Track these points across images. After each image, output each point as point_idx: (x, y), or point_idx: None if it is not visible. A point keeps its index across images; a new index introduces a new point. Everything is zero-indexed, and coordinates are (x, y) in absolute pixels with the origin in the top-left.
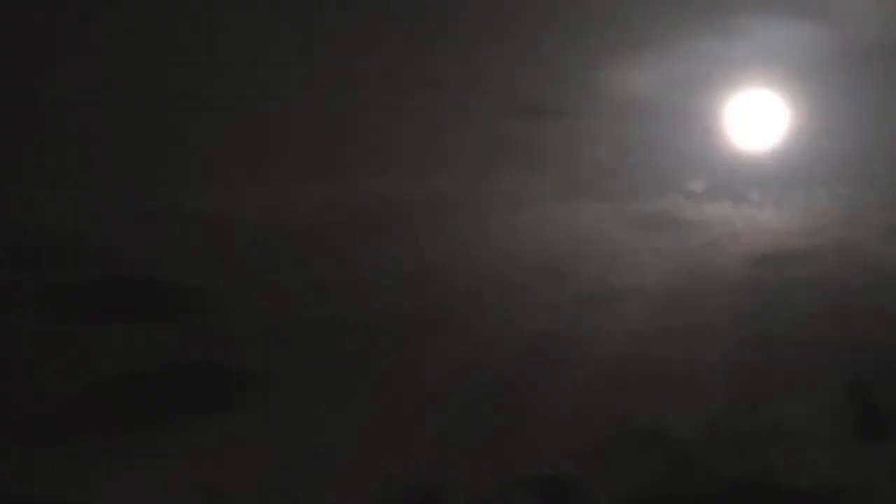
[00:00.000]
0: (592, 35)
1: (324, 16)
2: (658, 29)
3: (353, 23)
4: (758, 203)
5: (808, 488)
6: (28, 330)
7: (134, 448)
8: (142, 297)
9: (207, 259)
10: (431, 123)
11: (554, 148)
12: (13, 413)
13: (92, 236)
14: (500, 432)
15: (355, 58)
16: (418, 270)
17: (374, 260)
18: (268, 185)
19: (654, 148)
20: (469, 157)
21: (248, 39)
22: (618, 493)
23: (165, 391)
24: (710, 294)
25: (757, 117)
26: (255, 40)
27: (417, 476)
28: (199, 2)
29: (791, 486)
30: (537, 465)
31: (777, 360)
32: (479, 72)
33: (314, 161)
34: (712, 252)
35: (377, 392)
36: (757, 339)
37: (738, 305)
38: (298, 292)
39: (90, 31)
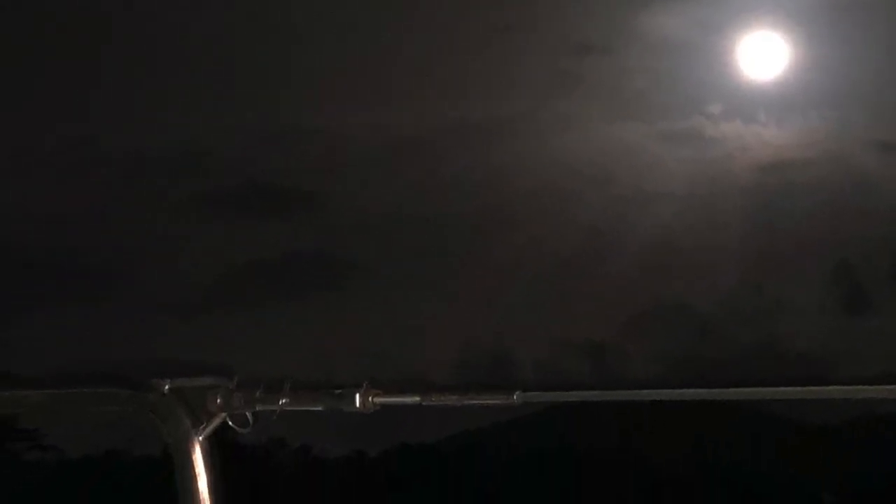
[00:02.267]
0: None
1: None
2: None
3: None
4: (764, 122)
5: (805, 351)
6: (177, 226)
7: (262, 320)
8: (268, 199)
9: (321, 167)
10: (501, 59)
11: (599, 78)
12: (167, 293)
13: (228, 149)
14: (556, 307)
15: (440, 9)
16: (491, 177)
17: (455, 169)
18: (370, 108)
19: (680, 78)
20: (531, 86)
21: None
22: (649, 357)
23: (287, 275)
24: (725, 195)
25: (764, 53)
26: None
27: (490, 342)
28: None
29: (791, 350)
30: (585, 334)
31: (779, 249)
32: (539, 18)
33: (408, 89)
34: (727, 162)
35: (458, 275)
36: (763, 231)
37: (747, 205)
38: (395, 195)
39: None
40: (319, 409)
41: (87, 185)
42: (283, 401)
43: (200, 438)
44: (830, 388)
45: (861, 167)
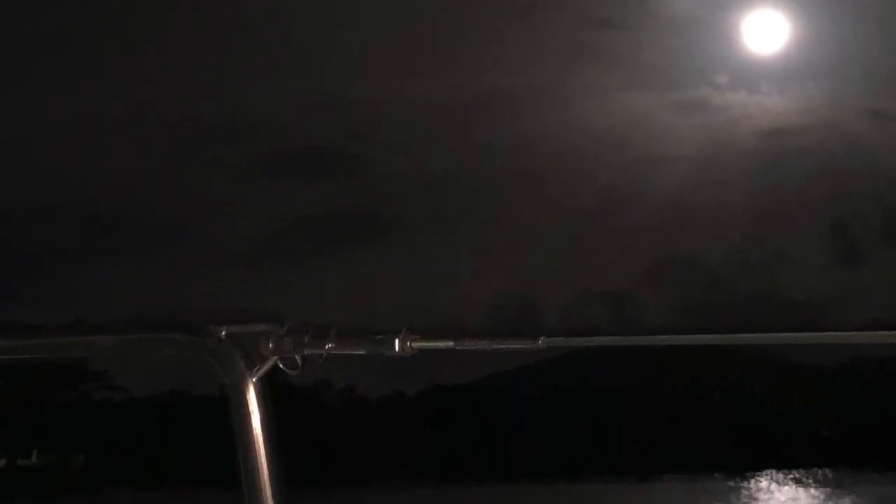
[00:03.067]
0: None
1: None
2: None
3: None
4: (766, 92)
5: (803, 299)
6: (232, 186)
7: (310, 272)
8: (315, 161)
9: (364, 133)
10: (527, 34)
11: (617, 52)
12: (224, 247)
13: (279, 116)
14: (577, 260)
15: None
16: (518, 141)
17: (486, 133)
18: (408, 78)
19: (690, 51)
20: (555, 59)
21: None
22: (663, 305)
23: (332, 231)
24: (731, 158)
25: (766, 28)
26: None
27: (518, 292)
28: None
29: (790, 299)
30: (604, 284)
31: (779, 207)
32: None
33: (443, 61)
34: (732, 128)
35: (488, 231)
36: (765, 191)
37: (751, 166)
38: (431, 157)
39: None
40: (362, 353)
41: (152, 149)
42: (329, 345)
43: (254, 380)
44: (826, 333)
45: (854, 133)
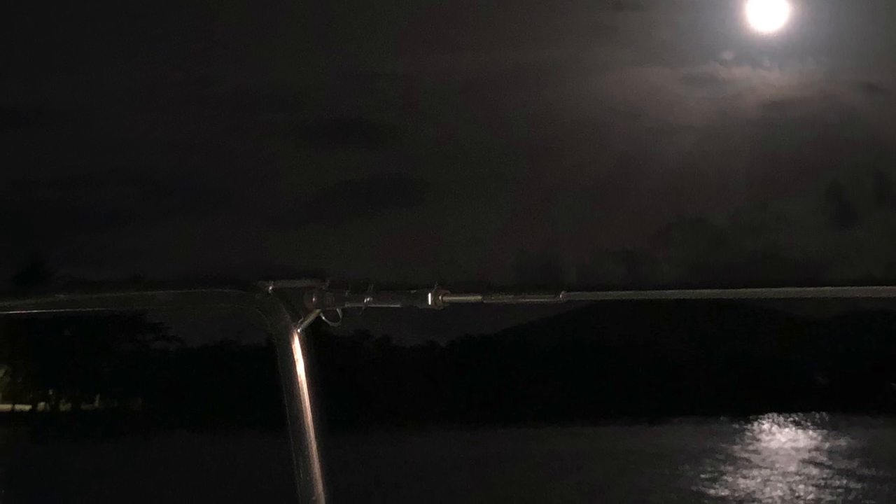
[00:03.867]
0: None
1: None
2: None
3: None
4: (768, 67)
5: (802, 257)
6: (280, 153)
7: (350, 232)
8: (355, 130)
9: (400, 104)
10: (549, 13)
11: (632, 30)
12: (271, 209)
13: (322, 88)
14: (595, 221)
15: None
16: (541, 112)
17: (511, 105)
18: (441, 54)
19: (699, 30)
20: (574, 36)
21: None
22: (673, 262)
23: (370, 194)
24: (736, 128)
25: (768, 8)
26: None
27: (540, 250)
28: None
29: (789, 256)
30: (619, 244)
31: (780, 172)
32: None
33: (472, 38)
34: (737, 100)
35: (513, 194)
36: (767, 158)
37: (754, 135)
38: (462, 127)
39: None
40: (397, 306)
41: (207, 118)
42: (367, 299)
43: (298, 331)
44: (823, 288)
45: (849, 104)
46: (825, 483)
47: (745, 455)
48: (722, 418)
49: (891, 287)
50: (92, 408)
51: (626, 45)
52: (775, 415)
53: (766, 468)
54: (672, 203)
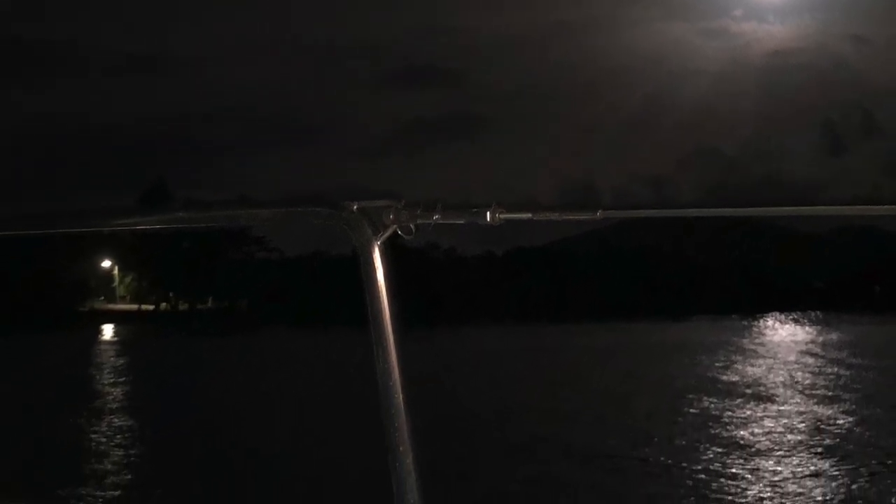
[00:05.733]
0: None
1: None
2: None
3: None
4: (772, 22)
5: (801, 180)
6: (362, 94)
7: (422, 159)
8: (425, 75)
9: (462, 54)
10: None
11: None
12: (355, 142)
13: (399, 40)
14: (627, 151)
15: None
16: (580, 60)
17: (556, 54)
18: (495, 12)
19: None
20: None
21: None
22: (693, 185)
23: (439, 129)
24: (745, 74)
25: None
26: None
27: (581, 175)
28: None
29: (791, 177)
30: (648, 170)
31: (782, 109)
32: None
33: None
34: (746, 50)
35: (558, 130)
36: (770, 97)
37: (761, 82)
38: (514, 73)
39: None
40: (461, 222)
41: (300, 65)
42: (436, 216)
43: (378, 243)
44: (817, 207)
45: (840, 53)
46: (819, 370)
47: (753, 347)
48: (733, 316)
49: (876, 206)
50: (205, 308)
51: (652, 4)
52: (778, 313)
53: (770, 358)
54: (691, 135)
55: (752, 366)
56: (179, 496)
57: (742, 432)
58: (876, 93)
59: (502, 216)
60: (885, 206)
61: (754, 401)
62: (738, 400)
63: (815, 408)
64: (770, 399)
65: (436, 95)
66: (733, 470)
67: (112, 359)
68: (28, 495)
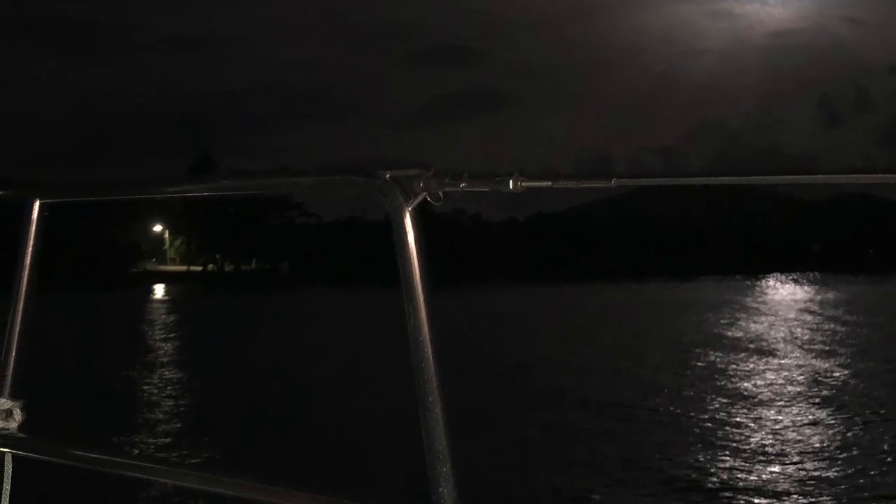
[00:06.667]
0: None
1: None
2: None
3: None
4: (773, 4)
5: (799, 150)
6: (394, 71)
7: (448, 132)
8: (452, 54)
9: (487, 33)
10: None
11: None
12: (388, 115)
13: (428, 21)
14: (639, 123)
15: None
16: (597, 39)
17: (574, 33)
18: None
19: None
20: None
21: None
22: (700, 155)
23: (464, 104)
24: (748, 53)
25: None
26: None
27: (597, 146)
28: None
29: (791, 148)
30: (658, 141)
31: (782, 86)
32: None
33: None
34: (749, 30)
35: (575, 102)
36: (772, 74)
37: (763, 60)
38: (535, 50)
39: None
40: (486, 189)
41: (336, 44)
42: (463, 184)
43: (409, 209)
44: (815, 175)
45: (836, 33)
46: (817, 327)
47: (755, 305)
48: (737, 276)
49: (869, 175)
50: (249, 269)
51: None
52: (778, 274)
53: (771, 315)
54: (698, 110)
55: (755, 323)
56: (225, 443)
57: (745, 384)
58: (869, 70)
59: (524, 184)
60: (878, 175)
61: (757, 355)
62: (742, 354)
63: (813, 361)
64: (771, 353)
65: (463, 73)
66: (737, 419)
67: (163, 316)
68: (87, 442)
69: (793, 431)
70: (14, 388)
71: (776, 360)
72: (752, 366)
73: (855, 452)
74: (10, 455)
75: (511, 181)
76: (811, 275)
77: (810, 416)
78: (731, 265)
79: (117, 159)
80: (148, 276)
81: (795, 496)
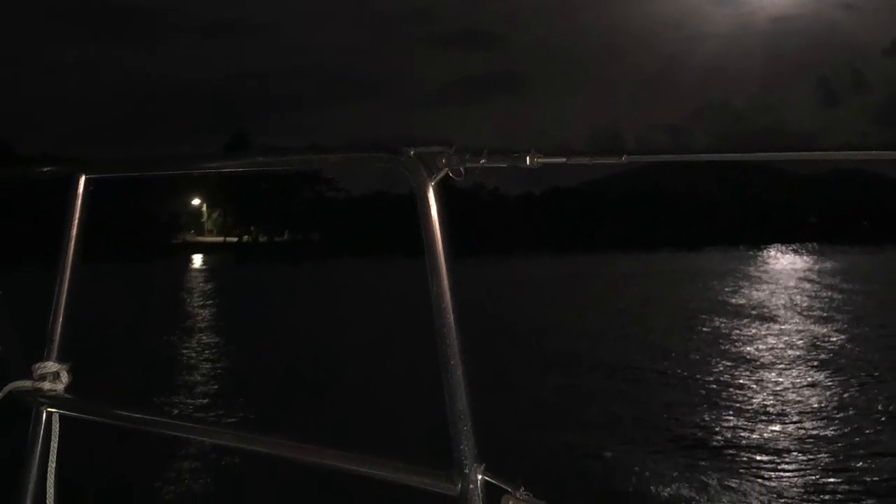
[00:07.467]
0: None
1: None
2: None
3: None
4: None
5: (799, 128)
6: (417, 53)
7: (469, 111)
8: (472, 37)
9: (505, 18)
10: None
11: None
12: (411, 95)
13: (449, 6)
14: (648, 104)
15: None
16: (607, 24)
17: (587, 18)
18: None
19: None
20: None
21: None
22: (706, 133)
23: (484, 84)
24: (751, 37)
25: None
26: None
27: (609, 124)
28: None
29: (791, 126)
30: (667, 120)
31: (783, 67)
32: None
33: None
34: (752, 16)
35: (587, 84)
36: (773, 57)
37: (765, 44)
38: (550, 34)
39: None
40: (504, 165)
41: (364, 29)
42: (482, 160)
43: (432, 184)
44: (814, 152)
45: (833, 19)
46: (815, 294)
47: (758, 274)
48: (740, 247)
49: (864, 151)
50: (282, 240)
51: None
52: (779, 245)
53: (773, 283)
54: (704, 90)
55: (757, 290)
56: (259, 404)
57: (748, 348)
58: (864, 53)
59: (540, 160)
60: (873, 152)
61: (759, 321)
62: (745, 320)
63: (812, 327)
64: (772, 319)
65: (482, 56)
66: (740, 381)
67: (201, 284)
68: (129, 402)
69: (792, 392)
70: (61, 352)
71: (777, 326)
72: (754, 331)
73: (851, 412)
74: (57, 415)
75: (528, 157)
76: (810, 245)
77: (809, 379)
78: (734, 236)
79: (158, 137)
80: (187, 247)
81: (795, 453)
